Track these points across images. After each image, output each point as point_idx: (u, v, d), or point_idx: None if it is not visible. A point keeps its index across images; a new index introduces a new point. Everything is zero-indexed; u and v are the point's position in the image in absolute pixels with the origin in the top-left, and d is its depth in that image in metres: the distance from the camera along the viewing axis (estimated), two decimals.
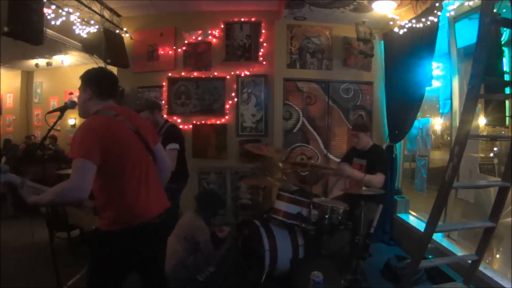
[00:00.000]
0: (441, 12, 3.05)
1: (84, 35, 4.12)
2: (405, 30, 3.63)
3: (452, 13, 3.11)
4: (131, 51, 4.61)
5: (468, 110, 1.80)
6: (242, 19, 4.61)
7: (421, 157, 3.75)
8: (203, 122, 4.63)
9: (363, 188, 2.65)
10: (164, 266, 1.85)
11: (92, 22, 4.07)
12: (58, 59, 6.80)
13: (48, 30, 3.91)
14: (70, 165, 1.40)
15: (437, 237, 3.11)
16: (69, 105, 1.70)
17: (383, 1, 3.53)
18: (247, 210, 4.25)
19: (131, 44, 4.65)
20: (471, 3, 2.83)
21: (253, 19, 4.60)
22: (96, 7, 4.00)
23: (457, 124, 2.39)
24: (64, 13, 3.60)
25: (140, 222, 1.53)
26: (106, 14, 4.24)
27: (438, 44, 3.21)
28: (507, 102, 2.57)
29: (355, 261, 2.54)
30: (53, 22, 3.59)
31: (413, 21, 3.42)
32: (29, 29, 2.83)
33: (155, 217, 1.59)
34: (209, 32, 4.64)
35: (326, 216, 2.76)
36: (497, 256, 2.66)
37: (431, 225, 1.88)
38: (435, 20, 3.12)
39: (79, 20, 3.90)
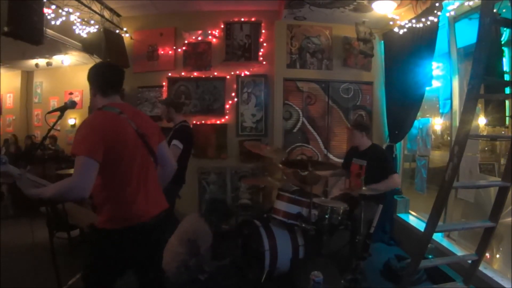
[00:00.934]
0: (441, 12, 3.05)
1: (84, 35, 4.12)
2: (405, 30, 3.63)
3: (452, 13, 3.11)
4: (131, 51, 4.62)
5: (468, 110, 1.80)
6: (242, 19, 4.61)
7: (421, 157, 3.75)
8: (203, 122, 4.63)
9: (363, 188, 2.65)
10: (161, 267, 1.83)
11: (92, 22, 4.07)
12: (58, 59, 6.78)
13: (48, 30, 3.89)
14: (70, 165, 1.41)
15: (437, 237, 3.11)
16: (69, 105, 1.69)
17: (383, 1, 3.53)
18: (247, 210, 4.25)
19: (131, 44, 4.66)
20: (471, 3, 2.83)
21: (253, 19, 4.60)
22: (96, 7, 4.00)
23: (457, 124, 2.39)
24: (64, 13, 3.60)
25: (137, 222, 1.52)
26: (106, 14, 4.24)
27: (438, 44, 3.21)
28: (507, 102, 2.58)
29: (355, 261, 2.54)
30: (53, 22, 3.58)
31: (413, 21, 3.42)
32: (29, 29, 2.82)
33: (152, 218, 1.58)
34: (209, 32, 4.64)
35: (326, 216, 2.76)
36: (497, 256, 2.66)
37: (431, 225, 1.88)
38: (435, 20, 3.13)
39: (79, 20, 3.89)
